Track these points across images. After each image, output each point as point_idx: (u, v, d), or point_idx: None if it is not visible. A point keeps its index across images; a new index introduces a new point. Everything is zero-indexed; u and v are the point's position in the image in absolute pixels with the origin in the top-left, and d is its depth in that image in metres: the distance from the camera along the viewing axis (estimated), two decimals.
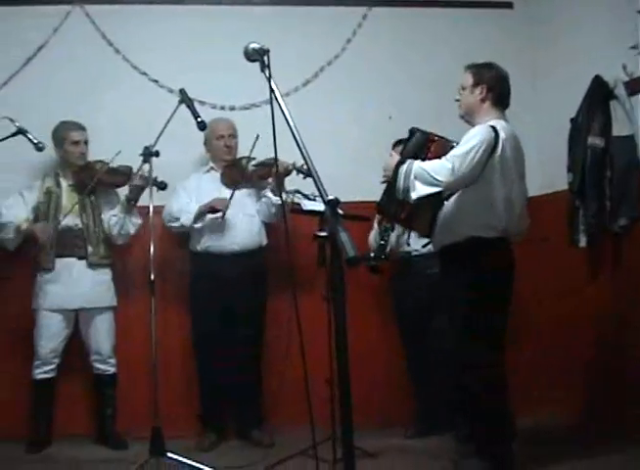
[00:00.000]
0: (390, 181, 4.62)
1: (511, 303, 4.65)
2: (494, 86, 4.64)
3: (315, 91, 6.31)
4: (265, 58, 3.05)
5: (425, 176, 4.39)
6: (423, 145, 4.62)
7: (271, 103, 2.94)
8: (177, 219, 5.76)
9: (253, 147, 5.48)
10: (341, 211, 2.65)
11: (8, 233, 5.61)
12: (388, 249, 5.59)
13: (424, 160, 4.51)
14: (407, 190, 4.44)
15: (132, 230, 5.76)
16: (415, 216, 4.75)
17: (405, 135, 4.81)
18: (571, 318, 5.87)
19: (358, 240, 2.57)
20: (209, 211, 5.66)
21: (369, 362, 5.76)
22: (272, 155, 5.16)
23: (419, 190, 4.42)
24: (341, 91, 6.38)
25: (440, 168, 4.38)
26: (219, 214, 5.60)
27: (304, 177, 5.35)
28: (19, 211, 5.65)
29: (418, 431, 5.75)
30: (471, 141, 4.42)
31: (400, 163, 4.51)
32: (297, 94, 6.17)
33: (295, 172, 5.41)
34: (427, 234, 4.86)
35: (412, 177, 4.41)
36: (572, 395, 5.82)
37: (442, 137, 4.68)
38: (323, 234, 4.55)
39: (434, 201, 4.57)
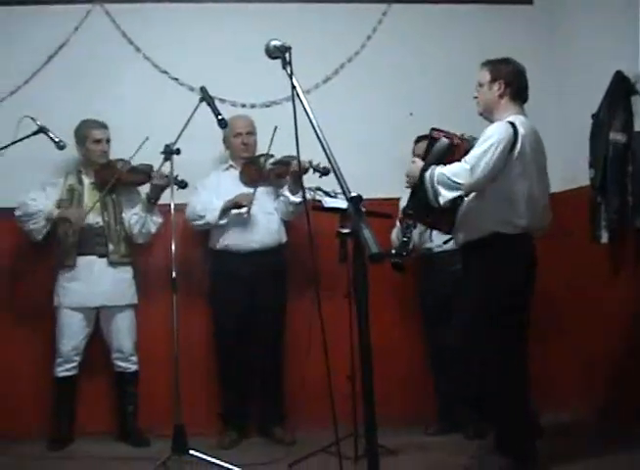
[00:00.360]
0: (414, 187, 4.63)
1: (532, 298, 4.65)
2: (512, 81, 4.63)
3: (335, 88, 6.30)
4: (287, 55, 3.04)
5: (445, 181, 4.41)
6: (447, 150, 4.61)
7: (293, 100, 2.93)
8: (202, 217, 5.76)
9: (272, 140, 5.49)
10: (363, 208, 2.65)
11: (38, 222, 5.63)
12: (410, 245, 5.58)
13: (447, 164, 4.52)
14: (435, 196, 4.45)
15: (153, 229, 5.78)
16: (440, 217, 4.75)
17: (426, 131, 4.80)
18: (593, 315, 5.83)
19: (379, 237, 2.56)
20: (234, 207, 5.67)
21: (390, 359, 5.74)
22: (292, 152, 5.24)
23: (444, 195, 4.43)
24: (361, 88, 6.36)
25: (459, 171, 4.40)
26: (245, 210, 5.61)
27: (320, 176, 5.36)
28: (44, 202, 5.67)
29: (439, 428, 5.76)
30: (488, 140, 4.42)
31: (424, 170, 4.52)
32: (318, 91, 6.16)
33: (311, 171, 5.40)
34: (448, 231, 4.87)
35: (435, 183, 4.43)
36: (594, 392, 5.79)
37: (464, 138, 4.66)
38: (346, 231, 4.55)
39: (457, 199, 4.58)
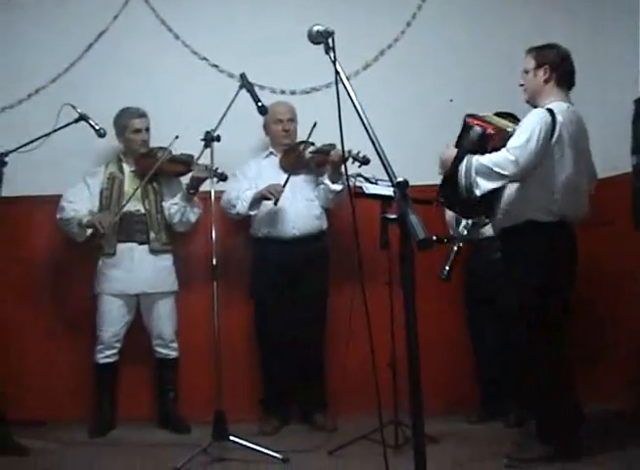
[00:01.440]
0: (447, 175, 4.62)
1: (572, 286, 4.63)
2: (558, 66, 4.62)
3: (376, 75, 6.27)
4: (330, 40, 3.01)
5: (487, 172, 4.39)
6: (480, 141, 4.57)
7: (336, 85, 2.91)
8: (234, 207, 5.76)
9: (310, 134, 5.48)
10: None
11: (72, 227, 5.67)
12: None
13: (483, 154, 4.48)
14: (470, 187, 4.44)
15: (193, 218, 5.80)
16: (473, 207, 4.74)
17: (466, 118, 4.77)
18: (634, 305, 5.78)
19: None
20: (263, 198, 5.66)
21: (432, 347, 5.70)
22: (332, 139, 5.23)
23: (482, 186, 4.42)
24: (401, 74, 6.33)
25: (503, 162, 4.37)
26: (272, 201, 5.58)
27: (360, 165, 5.33)
28: (81, 205, 5.69)
29: (481, 416, 5.74)
30: (529, 129, 4.41)
31: (458, 159, 4.49)
32: (358, 78, 6.13)
33: (351, 160, 5.37)
34: (487, 216, 4.87)
35: (473, 174, 4.41)
36: (630, 383, 5.74)
37: (498, 127, 4.60)
38: (393, 216, 4.55)
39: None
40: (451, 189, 4.56)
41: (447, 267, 5.50)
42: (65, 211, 5.67)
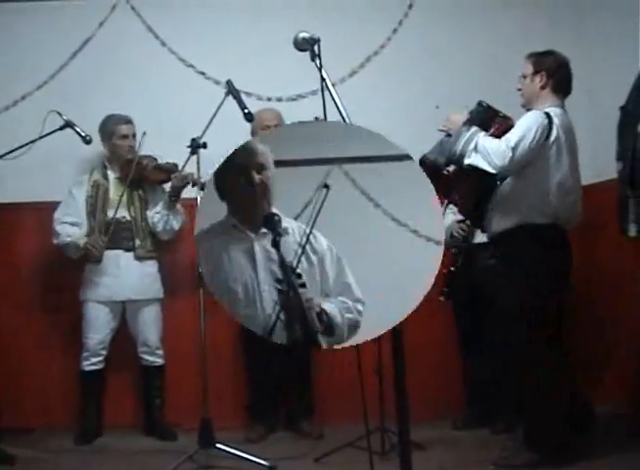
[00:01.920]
0: (450, 135, 4.66)
1: (568, 287, 4.69)
2: (554, 73, 4.70)
3: (362, 81, 6.27)
4: (316, 47, 3.02)
5: (484, 154, 4.44)
6: (488, 120, 4.66)
7: (322, 92, 2.92)
8: None
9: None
10: None
11: (69, 251, 5.66)
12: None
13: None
14: (462, 156, 4.50)
15: (176, 226, 5.77)
16: (458, 185, 4.78)
17: None
18: (634, 305, 5.79)
19: None
20: None
21: (419, 351, 5.70)
22: None
23: (474, 160, 4.47)
24: (388, 81, 6.32)
25: (498, 152, 4.42)
26: None
27: None
28: (74, 228, 5.66)
29: (466, 422, 5.73)
30: (524, 128, 4.48)
31: (466, 126, 4.55)
32: (344, 85, 6.10)
33: None
34: (466, 213, 5.03)
35: (472, 147, 4.46)
36: (630, 386, 5.75)
37: (507, 117, 4.69)
38: None
39: (482, 183, 4.64)
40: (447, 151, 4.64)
41: (446, 289, 5.54)
42: (60, 237, 5.65)
